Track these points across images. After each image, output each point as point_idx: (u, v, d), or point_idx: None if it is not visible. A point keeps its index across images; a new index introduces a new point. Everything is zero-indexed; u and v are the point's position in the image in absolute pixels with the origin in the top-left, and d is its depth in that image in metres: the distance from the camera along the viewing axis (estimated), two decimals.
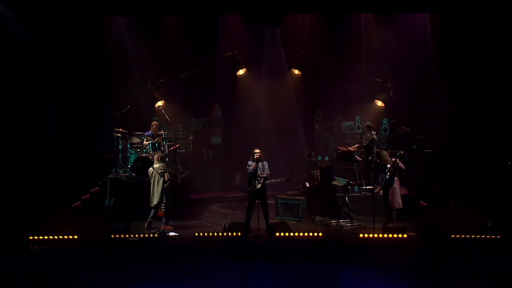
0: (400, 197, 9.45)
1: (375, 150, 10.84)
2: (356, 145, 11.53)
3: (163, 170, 9.45)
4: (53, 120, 11.78)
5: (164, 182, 9.35)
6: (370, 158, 10.80)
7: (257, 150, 9.22)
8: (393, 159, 9.38)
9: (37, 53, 11.30)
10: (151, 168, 9.54)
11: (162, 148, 11.04)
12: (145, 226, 9.43)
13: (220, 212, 11.37)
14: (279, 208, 10.52)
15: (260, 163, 9.18)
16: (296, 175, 13.01)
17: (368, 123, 11.64)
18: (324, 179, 10.61)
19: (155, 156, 9.70)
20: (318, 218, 10.44)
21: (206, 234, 8.91)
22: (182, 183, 11.11)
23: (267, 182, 9.16)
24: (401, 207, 9.44)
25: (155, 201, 9.30)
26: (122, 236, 8.78)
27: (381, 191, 9.48)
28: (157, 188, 9.34)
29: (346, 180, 10.24)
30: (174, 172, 10.38)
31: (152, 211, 9.38)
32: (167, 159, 10.89)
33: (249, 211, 9.15)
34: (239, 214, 10.09)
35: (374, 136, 11.12)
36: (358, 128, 13.36)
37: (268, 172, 9.17)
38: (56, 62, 11.66)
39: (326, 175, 10.62)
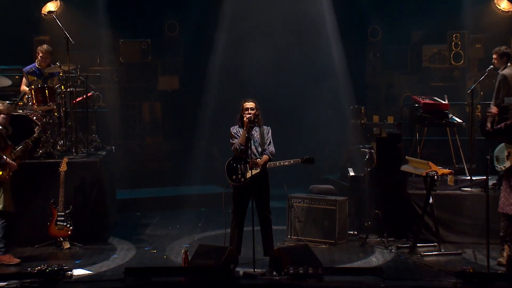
0: None
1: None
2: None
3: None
4: None
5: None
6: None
7: (249, 104, 9.31)
8: None
9: None
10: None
11: (59, 98, 11.12)
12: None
13: (177, 227, 11.70)
14: (295, 218, 10.60)
15: (255, 131, 9.24)
16: (329, 153, 13.26)
17: (503, 48, 10.84)
18: (385, 162, 10.78)
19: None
20: (373, 238, 10.68)
21: (149, 271, 8.78)
22: (100, 168, 11.17)
23: (268, 167, 9.25)
24: None
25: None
26: None
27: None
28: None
29: (431, 164, 10.12)
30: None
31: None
32: (70, 122, 11.04)
33: (235, 224, 9.33)
34: (215, 230, 10.06)
35: (503, 72, 10.68)
36: (458, 57, 13.48)
37: (271, 150, 9.28)
38: None
39: (389, 154, 10.77)
